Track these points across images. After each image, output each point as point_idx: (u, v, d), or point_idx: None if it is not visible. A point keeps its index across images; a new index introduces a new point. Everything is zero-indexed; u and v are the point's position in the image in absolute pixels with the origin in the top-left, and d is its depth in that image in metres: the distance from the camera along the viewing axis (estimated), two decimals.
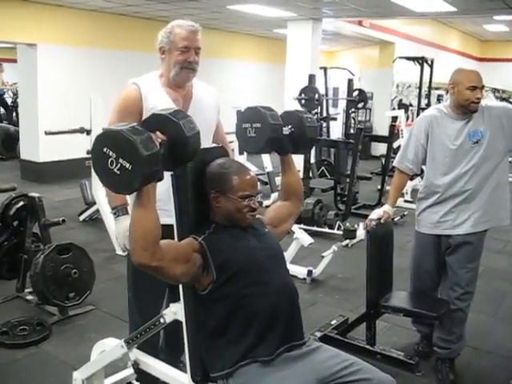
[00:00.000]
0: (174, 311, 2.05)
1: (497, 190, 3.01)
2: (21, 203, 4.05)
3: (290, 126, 2.23)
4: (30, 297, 4.00)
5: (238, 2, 7.70)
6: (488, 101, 3.17)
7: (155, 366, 2.25)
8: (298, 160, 7.64)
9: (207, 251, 1.88)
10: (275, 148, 2.22)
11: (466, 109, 2.95)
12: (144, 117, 2.15)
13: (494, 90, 16.67)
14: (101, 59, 8.77)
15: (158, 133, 1.72)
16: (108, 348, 2.36)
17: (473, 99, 2.89)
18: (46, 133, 5.61)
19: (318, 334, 3.33)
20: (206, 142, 2.43)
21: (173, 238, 1.92)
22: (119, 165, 1.63)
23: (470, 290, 3.08)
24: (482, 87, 2.95)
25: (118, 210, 2.35)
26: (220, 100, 2.65)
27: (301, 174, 7.18)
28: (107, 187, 1.78)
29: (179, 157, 1.80)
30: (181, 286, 1.98)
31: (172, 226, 1.93)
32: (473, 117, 2.98)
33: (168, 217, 1.95)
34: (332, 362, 1.88)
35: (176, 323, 2.06)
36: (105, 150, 1.65)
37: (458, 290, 3.04)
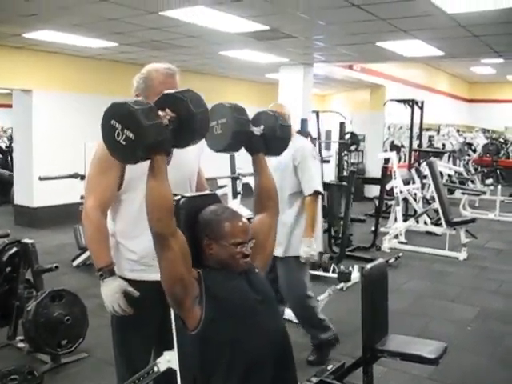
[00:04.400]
0: (168, 359, 2.03)
1: None
2: (14, 249, 4.02)
3: (262, 127, 2.19)
4: (21, 344, 3.93)
5: (230, 48, 7.85)
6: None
7: None
8: None
9: (203, 282, 1.88)
10: (244, 144, 2.16)
11: None
12: (126, 168, 2.18)
13: (484, 131, 16.91)
14: (95, 105, 8.77)
15: (167, 110, 1.82)
16: None
17: None
18: (41, 178, 5.63)
19: (315, 380, 3.27)
20: (190, 189, 2.42)
21: (163, 296, 1.89)
22: (124, 135, 1.75)
23: None
24: None
25: (105, 272, 2.24)
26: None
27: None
28: (116, 158, 1.86)
29: (188, 134, 1.88)
30: (174, 332, 1.97)
31: (159, 282, 1.88)
32: None
33: (156, 272, 1.89)
34: None
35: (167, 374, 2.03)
36: (112, 122, 1.78)
37: None
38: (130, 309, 2.20)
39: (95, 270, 2.28)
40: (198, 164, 2.58)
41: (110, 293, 2.22)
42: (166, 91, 1.91)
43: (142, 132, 1.72)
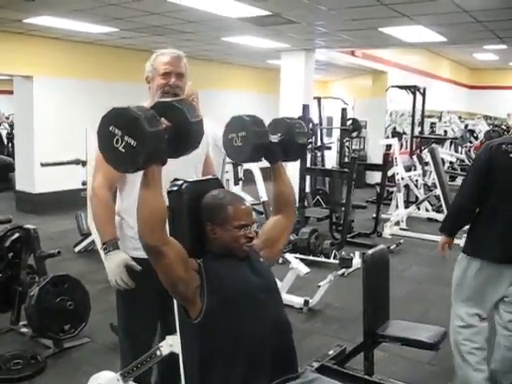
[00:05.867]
0: (171, 343, 2.04)
1: None
2: (16, 235, 4.03)
3: (279, 134, 2.21)
4: (24, 329, 3.96)
5: (232, 34, 7.81)
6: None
7: None
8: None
9: (204, 273, 1.89)
10: (263, 155, 2.19)
11: None
12: None
13: (486, 118, 16.85)
14: (96, 91, 8.82)
15: (162, 119, 1.77)
16: (103, 381, 2.34)
17: None
18: (42, 164, 5.63)
19: (316, 365, 3.29)
20: (195, 174, 2.44)
21: None
22: (124, 142, 1.69)
23: None
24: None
25: (109, 246, 2.30)
26: (213, 131, 2.65)
27: (296, 204, 7.20)
28: (113, 166, 1.80)
29: (183, 143, 1.85)
30: (177, 317, 1.98)
31: None
32: None
33: None
34: None
35: (170, 356, 2.05)
36: (111, 128, 1.71)
37: None
38: (132, 283, 2.25)
39: (100, 247, 2.37)
40: (205, 150, 2.60)
41: (113, 266, 2.26)
42: (161, 99, 1.90)
43: (145, 139, 1.67)
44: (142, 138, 1.67)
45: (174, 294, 1.90)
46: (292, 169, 7.83)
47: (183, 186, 1.94)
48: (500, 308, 3.07)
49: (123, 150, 1.69)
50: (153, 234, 1.76)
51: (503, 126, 16.70)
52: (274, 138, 2.19)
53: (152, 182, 1.76)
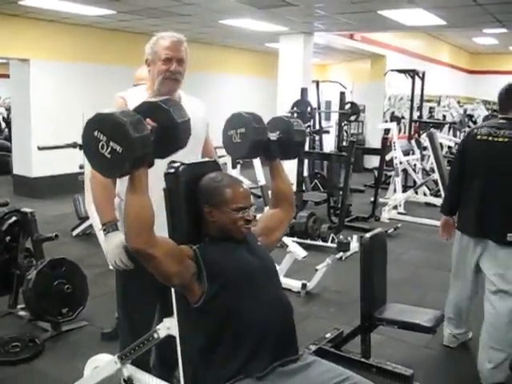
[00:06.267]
0: (168, 326, 2.04)
1: None
2: (13, 218, 4.02)
3: (277, 132, 2.24)
4: (22, 313, 3.97)
5: (229, 16, 7.74)
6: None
7: (149, 382, 2.22)
8: (290, 173, 7.61)
9: (200, 259, 1.88)
10: (262, 152, 2.23)
11: None
12: None
13: (485, 102, 16.79)
14: (93, 74, 8.77)
15: (148, 120, 1.75)
16: (101, 364, 2.34)
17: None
18: (39, 148, 5.59)
19: (313, 348, 3.32)
20: (195, 157, 2.43)
21: None
22: (110, 148, 1.65)
23: None
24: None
25: (108, 227, 2.30)
26: (210, 114, 2.64)
27: (294, 188, 7.19)
28: (98, 171, 1.78)
29: (170, 144, 1.83)
30: (174, 300, 1.98)
31: None
32: None
33: (156, 231, 1.91)
34: (326, 377, 1.87)
35: (168, 339, 2.05)
36: (95, 133, 1.67)
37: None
38: (130, 263, 2.24)
39: (99, 228, 2.35)
40: (204, 132, 2.59)
41: (112, 247, 2.26)
42: (147, 99, 1.87)
43: (131, 145, 1.64)
44: (127, 143, 1.64)
45: (171, 285, 1.92)
46: None
47: (180, 169, 1.93)
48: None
49: (109, 156, 1.66)
50: (140, 237, 1.74)
51: None
52: (273, 136, 2.22)
53: (138, 186, 1.74)
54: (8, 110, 12.45)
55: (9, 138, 10.40)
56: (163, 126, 1.78)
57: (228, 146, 2.22)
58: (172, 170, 1.93)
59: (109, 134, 1.65)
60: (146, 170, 1.77)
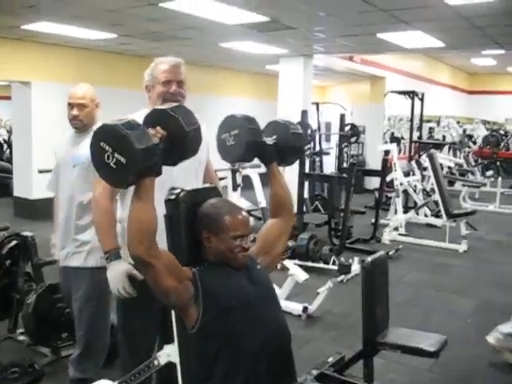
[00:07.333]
0: (168, 353, 2.03)
1: None
2: (13, 242, 4.01)
3: (274, 136, 2.19)
4: (21, 337, 3.93)
5: (230, 39, 7.81)
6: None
7: None
8: (291, 195, 7.58)
9: (199, 282, 1.87)
10: (257, 154, 2.17)
11: None
12: None
13: (485, 122, 16.88)
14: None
15: (158, 128, 1.76)
16: None
17: None
18: (40, 171, 5.59)
19: (315, 372, 3.26)
20: (196, 179, 2.43)
21: None
22: (115, 159, 1.67)
23: None
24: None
25: (111, 255, 2.28)
26: (209, 136, 2.63)
27: (294, 209, 7.19)
28: (106, 181, 1.82)
29: (180, 151, 1.83)
30: (175, 327, 1.96)
31: None
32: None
33: None
34: None
35: (169, 366, 2.03)
36: (101, 144, 1.70)
37: None
38: (134, 291, 2.23)
39: (101, 257, 2.36)
40: (206, 155, 2.59)
41: (115, 275, 2.24)
42: (157, 107, 1.88)
43: (134, 157, 1.66)
44: (130, 155, 1.66)
45: (167, 303, 1.89)
46: (291, 174, 7.84)
47: (180, 195, 1.93)
48: None
49: (114, 167, 1.68)
50: (141, 245, 1.74)
51: (501, 131, 16.75)
52: (269, 140, 2.17)
53: (144, 194, 1.75)
54: (9, 131, 12.50)
55: (10, 160, 10.41)
56: (173, 134, 1.78)
57: (222, 150, 2.15)
58: (172, 197, 1.93)
59: (113, 146, 1.68)
60: (153, 180, 1.78)
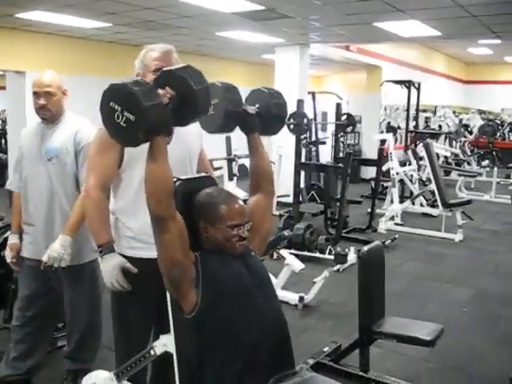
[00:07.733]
0: (164, 343, 2.02)
1: None
2: (8, 233, 3.99)
3: (256, 105, 2.17)
4: None
5: (226, 28, 7.77)
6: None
7: None
8: (287, 185, 7.58)
9: (200, 265, 1.87)
10: (238, 124, 2.14)
11: None
12: (125, 150, 2.17)
13: (481, 112, 16.87)
14: (90, 86, 8.70)
15: (167, 88, 1.78)
16: (98, 381, 2.32)
17: None
18: None
19: (311, 362, 3.29)
20: (190, 170, 2.41)
21: (159, 273, 1.88)
22: (124, 117, 1.71)
23: None
24: None
25: (104, 249, 2.22)
26: None
27: (291, 199, 7.19)
28: (117, 141, 1.85)
29: (190, 111, 1.84)
30: (171, 316, 1.96)
31: (157, 260, 1.88)
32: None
33: (152, 250, 1.91)
34: None
35: (164, 357, 2.03)
36: (111, 104, 1.73)
37: None
38: (128, 285, 2.21)
39: (95, 250, 2.31)
40: (199, 145, 2.57)
41: (109, 269, 2.21)
42: (165, 68, 1.89)
43: (143, 113, 1.68)
44: (139, 112, 1.68)
45: (168, 280, 1.86)
46: (287, 164, 7.83)
47: (176, 184, 1.92)
48: None
49: (124, 125, 1.71)
50: (160, 204, 1.78)
51: (497, 121, 16.75)
52: (251, 109, 2.14)
53: (158, 153, 1.77)
54: (4, 121, 12.43)
55: (5, 151, 10.36)
56: (181, 94, 1.79)
57: (202, 119, 2.08)
58: None
59: (122, 104, 1.71)
60: (165, 139, 1.79)
